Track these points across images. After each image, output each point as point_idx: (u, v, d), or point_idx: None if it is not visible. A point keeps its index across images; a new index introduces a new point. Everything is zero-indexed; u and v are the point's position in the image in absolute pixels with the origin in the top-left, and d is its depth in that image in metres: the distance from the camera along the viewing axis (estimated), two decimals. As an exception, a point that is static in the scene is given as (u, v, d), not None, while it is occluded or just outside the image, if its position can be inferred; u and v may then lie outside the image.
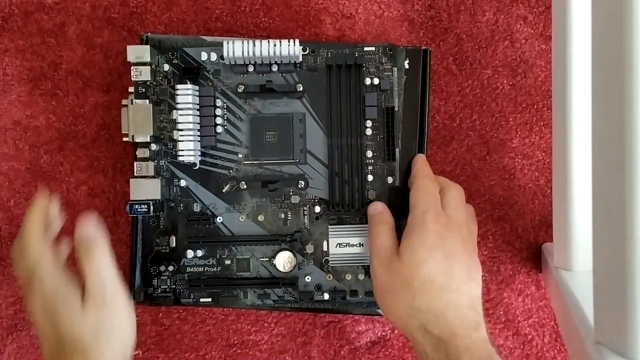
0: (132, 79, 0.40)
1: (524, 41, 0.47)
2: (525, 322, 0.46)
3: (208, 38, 0.42)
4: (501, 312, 0.46)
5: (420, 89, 0.42)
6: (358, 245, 0.41)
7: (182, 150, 0.40)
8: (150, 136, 0.41)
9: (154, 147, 0.41)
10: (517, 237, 0.47)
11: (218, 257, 0.42)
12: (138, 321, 0.45)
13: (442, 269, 0.34)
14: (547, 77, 0.47)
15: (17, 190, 0.46)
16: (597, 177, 0.28)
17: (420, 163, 0.41)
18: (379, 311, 0.42)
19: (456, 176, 0.47)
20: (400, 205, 0.41)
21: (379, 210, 0.40)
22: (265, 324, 0.46)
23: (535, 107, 0.47)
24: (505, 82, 0.47)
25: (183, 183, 0.42)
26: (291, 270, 0.42)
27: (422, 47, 0.42)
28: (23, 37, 0.46)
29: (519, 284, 0.46)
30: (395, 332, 0.46)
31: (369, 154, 0.41)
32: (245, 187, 0.42)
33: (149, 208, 0.40)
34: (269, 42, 0.40)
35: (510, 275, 0.47)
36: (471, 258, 0.36)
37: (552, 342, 0.46)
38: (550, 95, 0.46)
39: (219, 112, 0.42)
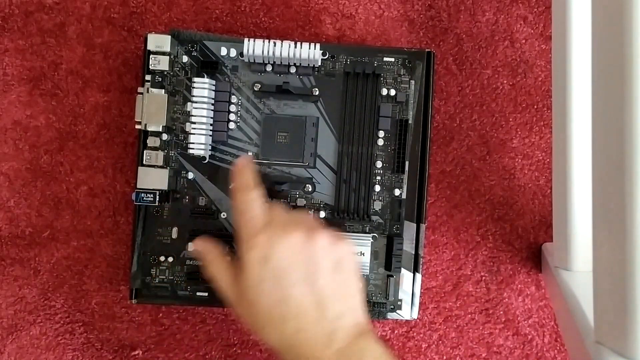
0: (149, 67, 0.40)
1: (524, 41, 0.47)
2: (525, 322, 0.46)
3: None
4: (501, 312, 0.46)
5: (424, 90, 0.42)
6: (359, 254, 0.41)
7: (193, 142, 0.40)
8: (162, 126, 0.41)
9: (165, 137, 0.41)
10: (517, 237, 0.47)
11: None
12: (138, 321, 0.46)
13: None
14: (547, 77, 0.47)
15: (17, 190, 0.46)
16: (597, 177, 0.28)
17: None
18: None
19: (456, 176, 0.47)
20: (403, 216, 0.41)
21: None
22: (265, 324, 0.46)
23: (535, 107, 0.47)
24: (505, 82, 0.47)
25: (191, 175, 0.42)
26: None
27: (426, 50, 0.42)
28: (23, 37, 0.46)
29: (519, 284, 0.47)
30: (396, 332, 0.46)
31: (379, 164, 0.41)
32: None
33: (154, 197, 0.40)
34: (289, 43, 0.40)
35: (510, 275, 0.47)
36: None
37: (552, 342, 0.46)
38: (550, 95, 0.46)
39: (233, 108, 0.42)
